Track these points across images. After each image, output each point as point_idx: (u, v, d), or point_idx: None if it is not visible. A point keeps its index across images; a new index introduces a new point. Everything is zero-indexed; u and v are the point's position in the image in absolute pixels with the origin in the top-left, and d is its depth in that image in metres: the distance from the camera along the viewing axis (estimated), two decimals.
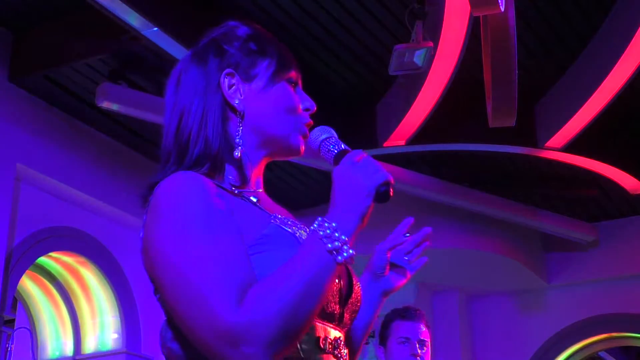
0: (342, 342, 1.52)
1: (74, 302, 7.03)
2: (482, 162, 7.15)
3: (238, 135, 1.54)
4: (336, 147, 1.55)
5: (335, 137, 1.57)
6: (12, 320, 7.06)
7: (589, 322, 8.12)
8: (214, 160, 1.52)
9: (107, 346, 6.92)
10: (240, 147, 1.54)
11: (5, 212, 5.93)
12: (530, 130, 6.49)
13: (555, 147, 6.46)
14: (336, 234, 1.37)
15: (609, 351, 9.61)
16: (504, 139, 6.46)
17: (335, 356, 1.48)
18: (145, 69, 6.02)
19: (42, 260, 6.67)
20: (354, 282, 1.60)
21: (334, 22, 5.78)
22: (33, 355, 6.70)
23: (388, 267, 1.81)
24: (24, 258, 6.18)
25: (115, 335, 6.89)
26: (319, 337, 1.46)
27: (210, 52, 1.59)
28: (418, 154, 6.86)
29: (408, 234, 1.87)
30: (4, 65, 6.02)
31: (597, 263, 8.07)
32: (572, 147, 6.43)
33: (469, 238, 7.71)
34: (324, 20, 5.76)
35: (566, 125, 6.22)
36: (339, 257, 1.36)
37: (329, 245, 1.36)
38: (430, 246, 7.22)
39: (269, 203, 1.59)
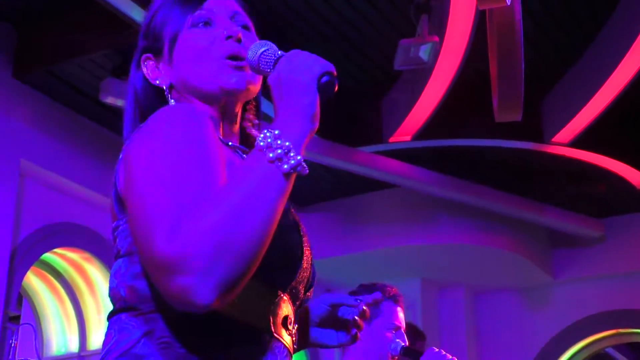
0: (293, 318, 1.45)
1: (79, 298, 7.03)
2: (488, 158, 7.12)
3: (169, 99, 1.51)
4: (275, 55, 1.38)
5: (273, 47, 1.39)
6: (17, 317, 7.05)
7: (596, 318, 8.09)
8: None
9: None
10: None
11: (9, 208, 5.92)
12: (537, 125, 6.46)
13: (562, 142, 6.43)
14: (278, 141, 1.23)
15: (616, 347, 9.59)
16: (510, 134, 6.43)
17: (293, 340, 1.44)
18: None
19: (47, 256, 6.67)
20: (305, 249, 1.49)
21: (338, 17, 5.76)
22: (38, 351, 6.70)
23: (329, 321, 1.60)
24: (28, 254, 6.17)
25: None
26: (287, 315, 1.41)
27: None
28: (424, 150, 6.84)
29: (360, 300, 1.58)
30: (8, 61, 6.01)
31: (604, 259, 8.05)
32: (579, 142, 6.40)
33: (474, 234, 7.69)
34: (329, 15, 5.73)
35: (573, 120, 6.19)
36: (285, 166, 1.24)
37: (270, 155, 1.23)
38: (436, 242, 7.25)
39: None
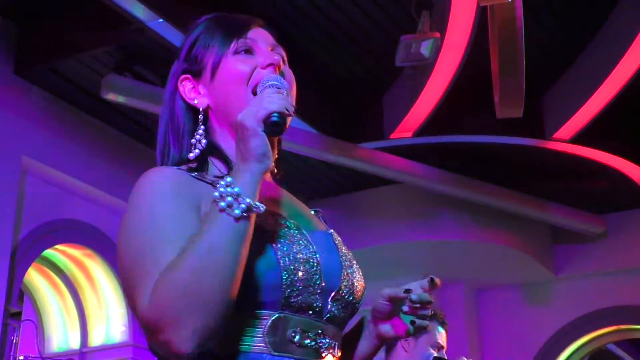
0: (326, 334, 1.48)
1: (80, 294, 7.03)
2: (489, 154, 7.12)
3: (198, 133, 1.57)
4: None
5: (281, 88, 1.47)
6: (19, 313, 7.06)
7: (597, 314, 8.10)
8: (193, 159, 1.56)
9: (114, 339, 6.92)
10: (195, 147, 1.55)
11: (11, 204, 5.93)
12: (538, 121, 6.46)
13: (563, 139, 6.43)
14: (228, 189, 1.32)
15: (618, 344, 9.59)
16: (512, 131, 6.43)
17: (314, 349, 1.46)
18: (150, 61, 6.00)
19: (48, 252, 6.67)
20: (345, 273, 1.55)
21: (339, 13, 5.76)
22: (39, 347, 6.70)
23: (389, 315, 1.61)
24: (30, 251, 6.18)
25: (122, 328, 6.89)
26: (291, 330, 1.43)
27: (174, 64, 1.66)
28: (425, 146, 6.84)
29: (411, 292, 1.60)
30: (10, 58, 6.01)
31: (606, 255, 8.04)
32: (580, 138, 6.40)
33: (476, 230, 7.69)
34: (330, 12, 5.73)
35: (574, 117, 6.19)
36: (235, 211, 1.31)
37: (222, 204, 1.31)
38: (438, 238, 7.21)
39: (266, 190, 1.54)
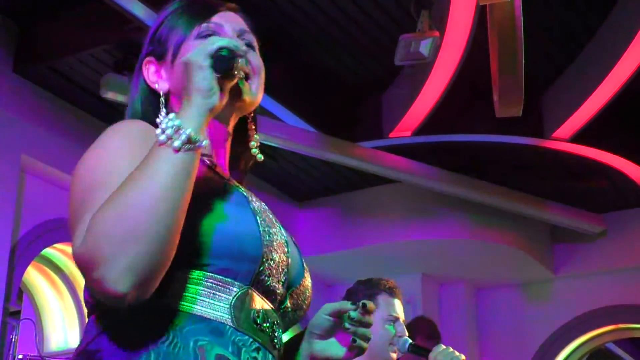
0: (279, 328, 1.45)
1: (79, 293, 7.03)
2: (488, 153, 7.11)
3: (160, 116, 1.48)
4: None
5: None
6: (18, 312, 7.05)
7: (597, 313, 8.10)
8: None
9: None
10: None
11: (10, 203, 5.92)
12: (537, 120, 6.46)
13: (562, 138, 6.43)
14: (169, 123, 1.27)
15: (617, 343, 9.60)
16: (511, 130, 6.43)
17: (271, 337, 1.41)
18: None
19: (48, 251, 6.67)
20: (305, 274, 1.53)
21: (339, 12, 5.75)
22: (38, 346, 6.70)
23: (329, 332, 1.52)
24: (29, 249, 6.17)
25: None
26: (255, 309, 1.39)
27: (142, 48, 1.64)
28: (424, 145, 6.84)
29: (354, 306, 1.45)
30: (9, 57, 6.00)
31: (605, 254, 8.04)
32: (579, 137, 6.40)
33: (475, 229, 7.69)
34: (329, 10, 5.73)
35: (573, 116, 6.19)
36: (175, 142, 1.25)
37: (161, 137, 1.26)
38: (437, 237, 7.27)
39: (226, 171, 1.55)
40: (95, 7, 5.36)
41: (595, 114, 6.07)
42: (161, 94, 1.54)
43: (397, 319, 3.22)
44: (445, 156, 7.14)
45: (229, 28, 1.56)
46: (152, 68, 1.59)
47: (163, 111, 1.49)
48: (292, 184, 7.74)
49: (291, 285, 1.50)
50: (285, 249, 1.47)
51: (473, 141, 6.78)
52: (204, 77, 1.32)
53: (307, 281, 1.55)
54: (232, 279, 1.36)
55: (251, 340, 1.37)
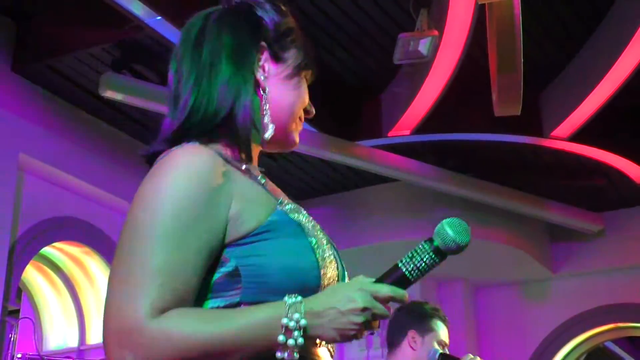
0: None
1: (78, 292, 7.03)
2: (487, 152, 7.12)
3: (265, 114, 1.50)
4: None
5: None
6: (17, 311, 7.05)
7: (595, 312, 8.10)
8: (235, 134, 1.46)
9: None
10: (270, 128, 1.50)
11: (8, 202, 5.92)
12: (536, 119, 6.46)
13: (561, 137, 6.43)
14: (297, 322, 1.28)
15: (615, 341, 9.60)
16: (510, 129, 6.43)
17: (329, 351, 1.45)
18: (148, 58, 5.99)
19: (46, 250, 6.66)
20: (346, 277, 1.55)
21: (338, 11, 5.75)
22: (37, 345, 6.70)
23: None
24: (27, 248, 6.17)
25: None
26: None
27: (243, 16, 1.55)
28: (423, 144, 6.84)
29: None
30: (8, 55, 6.00)
31: (603, 253, 8.05)
32: (578, 136, 6.40)
33: (474, 228, 7.54)
34: (328, 9, 5.73)
35: (572, 115, 6.19)
36: (282, 354, 1.28)
37: (280, 338, 1.27)
38: None
39: (272, 186, 1.54)
40: (94, 6, 5.35)
41: (594, 113, 6.07)
42: (263, 90, 1.52)
43: (446, 345, 3.52)
44: (444, 155, 7.14)
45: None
46: (265, 56, 1.54)
47: (266, 107, 1.50)
48: (291, 183, 7.74)
49: None
50: (336, 264, 1.48)
51: (472, 140, 6.78)
52: (353, 329, 1.32)
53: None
54: None
55: None
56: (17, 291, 6.38)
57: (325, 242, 1.48)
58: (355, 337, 1.30)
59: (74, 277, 7.01)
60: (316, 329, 1.28)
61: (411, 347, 3.48)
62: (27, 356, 6.19)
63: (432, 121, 6.31)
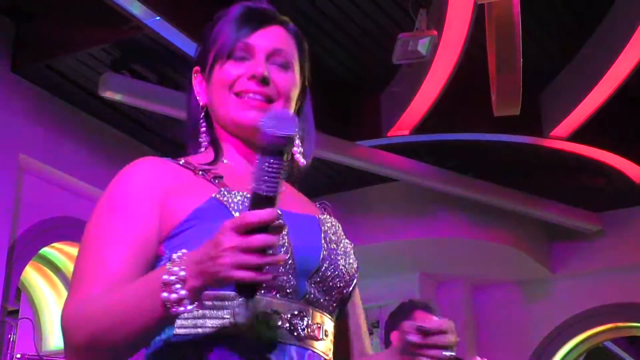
0: (307, 317, 1.46)
1: None
2: (486, 152, 7.12)
3: (201, 127, 1.62)
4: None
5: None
6: (16, 311, 7.05)
7: (594, 312, 8.10)
8: (196, 146, 1.63)
9: None
10: (202, 140, 1.61)
11: (8, 202, 5.92)
12: (535, 119, 6.46)
13: (560, 137, 6.43)
14: (176, 275, 1.29)
15: (615, 341, 9.60)
16: (509, 129, 6.43)
17: (290, 331, 1.44)
18: (147, 59, 5.99)
19: (46, 250, 6.66)
20: (325, 255, 1.52)
21: (337, 10, 5.75)
22: (36, 346, 6.70)
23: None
24: (27, 249, 6.17)
25: None
26: (259, 310, 1.41)
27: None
28: (422, 144, 6.84)
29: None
30: (7, 56, 6.00)
31: (603, 253, 8.04)
32: (577, 136, 6.40)
33: (473, 228, 7.69)
34: (328, 9, 5.73)
35: (571, 114, 6.19)
36: (173, 309, 1.30)
37: (163, 295, 1.29)
38: (435, 236, 7.23)
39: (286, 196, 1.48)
40: (93, 6, 5.35)
41: (593, 113, 6.07)
42: (200, 105, 1.63)
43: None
44: (444, 155, 7.14)
45: (261, 49, 1.60)
46: (199, 78, 1.65)
47: (202, 124, 1.62)
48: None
49: (307, 269, 1.49)
50: (283, 242, 1.46)
51: (471, 140, 6.78)
52: (222, 270, 1.27)
53: (335, 261, 1.54)
54: (229, 290, 1.38)
55: (311, 352, 1.45)
56: (17, 291, 6.38)
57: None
58: (229, 278, 1.25)
59: None
60: (196, 279, 1.27)
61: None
62: (26, 356, 6.18)
63: (432, 121, 6.31)
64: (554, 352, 8.23)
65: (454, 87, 5.85)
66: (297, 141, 1.70)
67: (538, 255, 8.13)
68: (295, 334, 1.44)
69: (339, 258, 1.55)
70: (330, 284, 1.52)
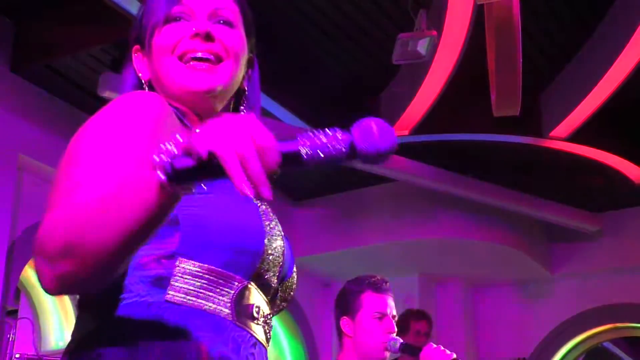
0: (271, 321, 1.44)
1: None
2: (485, 152, 7.12)
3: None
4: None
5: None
6: (15, 311, 7.05)
7: (593, 312, 8.11)
8: None
9: None
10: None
11: (7, 202, 5.92)
12: (535, 119, 6.46)
13: (559, 137, 6.43)
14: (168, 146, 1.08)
15: (614, 342, 9.61)
16: (509, 129, 6.43)
17: (265, 331, 1.41)
18: None
19: None
20: (294, 268, 1.51)
21: (337, 11, 5.75)
22: (36, 345, 6.70)
23: None
24: (26, 248, 6.16)
25: None
26: (253, 304, 1.37)
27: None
28: (421, 144, 6.84)
29: None
30: (6, 55, 6.00)
31: (602, 253, 8.05)
32: (576, 136, 6.40)
33: (472, 228, 7.69)
34: (327, 9, 5.73)
35: (571, 115, 6.19)
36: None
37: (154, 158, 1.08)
38: (434, 236, 7.26)
39: None
40: (92, 5, 5.35)
41: (593, 113, 6.07)
42: (144, 82, 1.50)
43: (383, 315, 3.17)
44: (443, 155, 7.14)
45: (201, 8, 1.48)
46: (139, 56, 1.52)
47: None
48: (288, 183, 7.74)
49: (283, 278, 1.49)
50: (282, 243, 1.45)
51: (470, 140, 6.78)
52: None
53: (295, 274, 1.53)
54: (233, 272, 1.34)
55: (249, 335, 1.36)
56: (16, 291, 6.38)
57: (272, 217, 1.46)
58: (220, 157, 1.03)
59: None
60: (189, 139, 1.06)
61: (347, 335, 3.18)
62: (25, 356, 6.19)
63: (431, 121, 6.32)
64: (553, 353, 8.23)
65: (453, 88, 5.86)
66: None
67: (537, 255, 8.14)
68: (267, 336, 1.42)
69: (295, 271, 1.55)
70: (288, 295, 1.52)
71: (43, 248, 1.15)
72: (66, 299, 7.04)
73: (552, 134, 6.42)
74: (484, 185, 7.31)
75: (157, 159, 1.07)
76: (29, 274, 6.92)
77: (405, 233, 7.72)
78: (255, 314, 1.37)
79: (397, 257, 7.87)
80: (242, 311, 1.35)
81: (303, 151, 1.11)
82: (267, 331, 1.42)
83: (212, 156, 1.04)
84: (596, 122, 6.20)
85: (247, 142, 1.04)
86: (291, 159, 1.09)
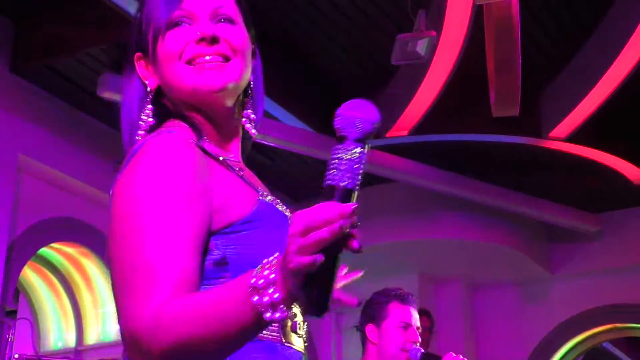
0: (301, 318, 1.45)
1: (75, 293, 7.03)
2: (485, 153, 7.12)
3: (144, 112, 1.47)
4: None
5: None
6: (14, 312, 7.05)
7: (593, 313, 8.10)
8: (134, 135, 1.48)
9: (109, 337, 6.91)
10: (142, 127, 1.46)
11: (7, 202, 5.92)
12: (534, 120, 6.46)
13: (559, 137, 6.43)
14: (265, 272, 1.15)
15: (613, 342, 9.60)
16: (508, 129, 6.43)
17: (304, 340, 1.43)
18: None
19: (44, 251, 6.66)
20: None
21: (336, 11, 5.75)
22: (35, 346, 6.70)
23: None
24: (25, 249, 6.17)
25: (118, 326, 6.87)
26: (296, 322, 1.40)
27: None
28: (421, 145, 6.84)
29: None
30: (6, 55, 6.00)
31: (601, 254, 8.05)
32: (576, 137, 6.40)
33: (471, 229, 7.69)
34: (327, 9, 5.73)
35: (570, 115, 6.19)
36: (267, 314, 1.14)
37: (254, 299, 1.14)
38: (433, 237, 7.26)
39: (249, 174, 1.49)
40: (92, 6, 5.36)
41: (592, 114, 6.07)
42: (148, 90, 1.49)
43: (408, 325, 3.38)
44: (442, 156, 7.14)
45: (202, 10, 1.48)
46: (142, 63, 1.51)
47: (149, 108, 1.47)
48: (289, 183, 7.74)
49: None
50: None
51: (470, 141, 6.78)
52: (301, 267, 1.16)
53: None
54: None
55: (295, 351, 1.39)
56: (15, 292, 6.38)
57: None
58: (297, 267, 1.13)
59: (71, 277, 7.00)
60: (285, 280, 1.14)
61: (372, 342, 3.42)
62: (24, 357, 6.18)
63: (430, 122, 6.32)
64: (552, 353, 8.23)
65: (452, 88, 5.85)
66: (250, 111, 1.55)
67: (537, 255, 8.14)
68: (305, 345, 1.45)
69: None
70: None
71: (150, 345, 1.20)
72: (65, 299, 7.04)
73: (552, 134, 6.42)
74: (483, 185, 7.30)
75: (261, 308, 1.14)
76: (28, 275, 6.93)
77: (405, 233, 7.71)
78: (297, 330, 1.40)
79: (396, 258, 7.86)
80: (288, 330, 1.38)
81: (342, 184, 1.24)
82: (305, 340, 1.45)
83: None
84: (595, 123, 6.20)
85: (329, 218, 1.19)
86: (347, 197, 1.22)
